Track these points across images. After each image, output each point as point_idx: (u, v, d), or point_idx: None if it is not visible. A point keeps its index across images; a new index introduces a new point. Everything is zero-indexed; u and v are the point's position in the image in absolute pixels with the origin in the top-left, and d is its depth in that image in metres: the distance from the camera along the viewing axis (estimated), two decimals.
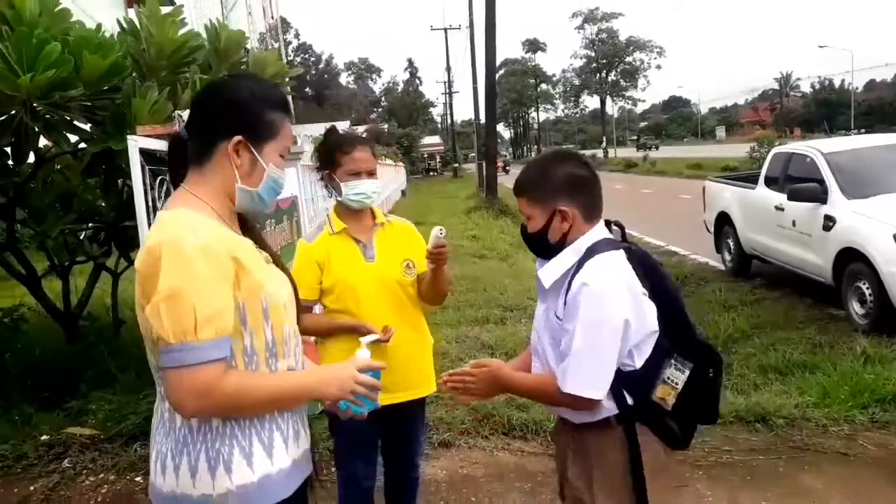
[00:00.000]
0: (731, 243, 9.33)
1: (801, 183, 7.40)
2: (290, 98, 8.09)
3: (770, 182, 8.46)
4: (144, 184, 3.72)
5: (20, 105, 3.71)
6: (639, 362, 1.88)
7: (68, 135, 4.43)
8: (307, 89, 64.39)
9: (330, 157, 2.70)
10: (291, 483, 1.63)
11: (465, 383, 2.05)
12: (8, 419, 4.75)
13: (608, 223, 2.07)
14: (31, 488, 3.95)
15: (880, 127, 58.11)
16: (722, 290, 8.35)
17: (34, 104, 3.74)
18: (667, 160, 43.54)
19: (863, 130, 52.15)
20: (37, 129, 4.14)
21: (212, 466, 1.53)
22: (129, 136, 3.67)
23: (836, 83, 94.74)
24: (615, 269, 1.88)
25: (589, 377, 1.85)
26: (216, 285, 1.47)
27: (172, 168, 1.72)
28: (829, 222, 6.78)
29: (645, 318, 1.87)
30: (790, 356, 5.84)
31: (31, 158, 4.77)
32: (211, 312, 1.45)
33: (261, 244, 1.74)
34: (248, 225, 1.74)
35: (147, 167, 3.76)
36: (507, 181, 35.86)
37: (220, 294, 1.48)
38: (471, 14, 34.55)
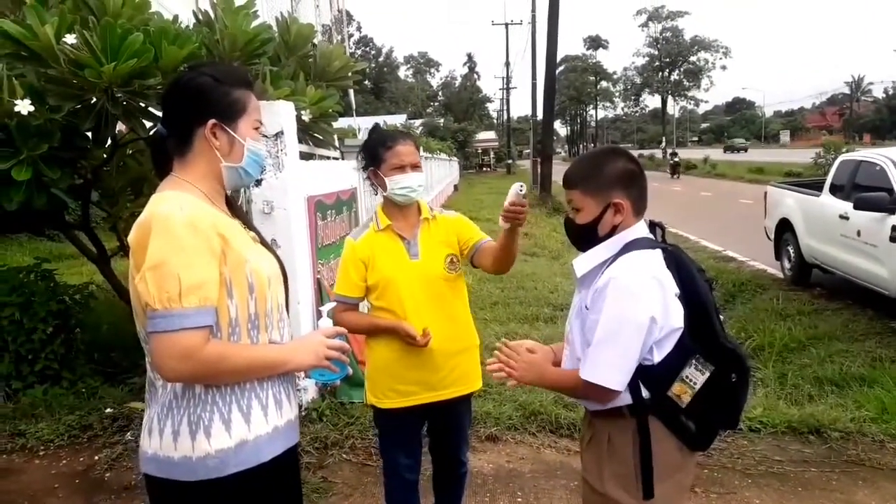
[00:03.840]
0: (792, 251, 9.11)
1: (868, 192, 7.18)
2: (350, 92, 8.17)
3: (835, 190, 8.23)
4: None
5: (102, 91, 3.89)
6: (657, 357, 1.89)
7: (144, 121, 4.62)
8: (366, 82, 64.93)
9: (373, 154, 2.70)
10: (269, 449, 1.71)
11: (510, 365, 2.09)
12: (75, 392, 5.01)
13: (652, 225, 2.07)
14: (96, 458, 4.17)
15: None
16: (780, 299, 8.18)
17: (115, 91, 3.92)
18: (728, 163, 42.52)
19: None
20: (115, 115, 4.33)
21: (192, 431, 1.63)
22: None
23: None
24: (646, 266, 1.88)
25: (607, 367, 1.86)
26: (201, 257, 1.57)
27: (157, 164, 1.82)
28: None
29: (670, 317, 1.87)
30: (848, 369, 5.72)
31: (107, 143, 5.00)
32: (195, 282, 1.54)
33: (248, 225, 1.87)
34: (235, 207, 1.87)
35: None
36: (561, 178, 35.48)
37: (205, 266, 1.57)
38: (533, 9, 34.37)
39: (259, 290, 1.70)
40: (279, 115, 4.27)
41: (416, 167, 2.67)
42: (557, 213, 20.69)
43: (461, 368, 2.74)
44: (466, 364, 2.77)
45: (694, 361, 1.89)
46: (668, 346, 1.89)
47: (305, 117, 4.93)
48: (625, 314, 1.84)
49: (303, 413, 4.37)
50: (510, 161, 58.05)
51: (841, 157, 9.17)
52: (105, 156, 5.03)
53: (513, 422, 4.41)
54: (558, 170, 32.66)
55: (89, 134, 4.74)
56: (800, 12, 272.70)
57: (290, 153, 4.32)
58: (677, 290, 1.89)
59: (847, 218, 7.51)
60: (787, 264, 9.36)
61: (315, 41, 5.90)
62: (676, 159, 39.81)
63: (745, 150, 71.54)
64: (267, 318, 1.74)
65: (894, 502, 3.56)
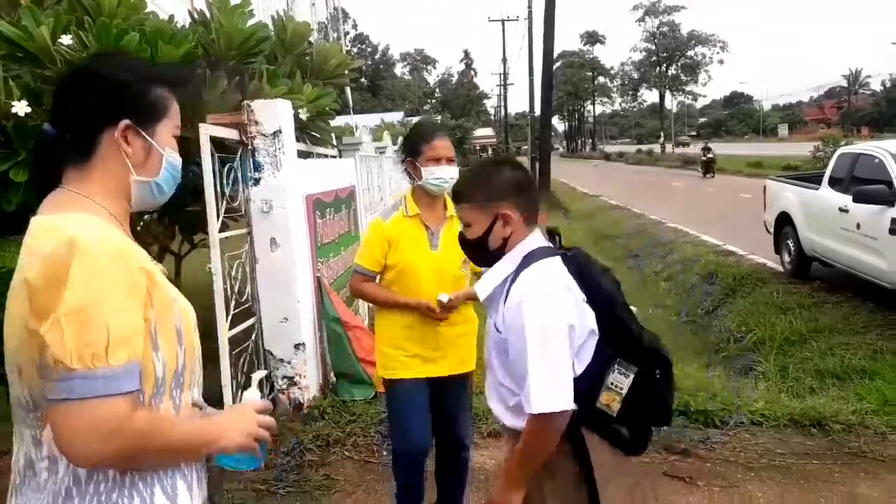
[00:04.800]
0: (791, 244, 9.10)
1: (867, 184, 7.18)
2: (347, 89, 8.16)
3: (834, 183, 8.23)
4: (213, 170, 3.87)
5: None
6: (579, 368, 1.83)
7: None
8: (363, 80, 64.84)
9: (413, 146, 2.91)
10: None
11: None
12: None
13: (549, 232, 2.03)
14: None
15: None
16: (780, 292, 8.19)
17: None
18: (727, 157, 42.47)
19: None
20: None
21: None
22: (200, 125, 3.82)
23: None
24: (553, 276, 1.84)
25: (554, 389, 1.77)
26: (130, 300, 1.23)
27: (39, 173, 1.42)
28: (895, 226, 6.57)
29: (585, 321, 1.84)
30: (849, 361, 5.73)
31: None
32: (125, 333, 1.19)
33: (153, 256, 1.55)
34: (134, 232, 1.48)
35: (216, 154, 3.91)
36: (559, 174, 35.68)
37: (134, 311, 1.23)
38: (530, 5, 34.34)
39: (187, 336, 1.37)
40: (277, 113, 4.26)
41: (450, 161, 2.88)
42: (556, 209, 20.72)
43: (459, 349, 2.95)
44: (465, 346, 2.98)
45: (616, 366, 1.86)
46: (587, 355, 1.85)
47: (303, 115, 4.93)
48: (547, 328, 1.78)
49: (304, 411, 4.37)
50: None
51: (839, 151, 9.18)
52: None
53: None
54: (557, 166, 32.52)
55: None
56: (797, 6, 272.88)
57: (288, 152, 4.31)
58: (583, 296, 1.86)
59: (846, 211, 7.51)
60: (786, 258, 9.36)
61: (311, 39, 5.89)
62: (711, 155, 31.59)
63: (688, 145, 71.29)
64: (192, 373, 1.40)
65: None
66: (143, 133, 1.39)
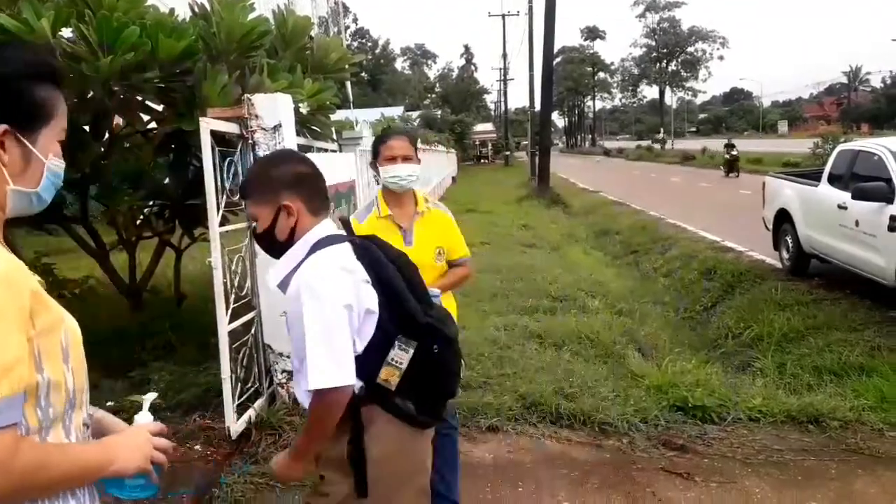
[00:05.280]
0: (790, 241, 9.11)
1: (867, 181, 7.18)
2: (348, 84, 8.16)
3: (834, 180, 8.23)
4: (214, 164, 3.87)
5: (99, 85, 3.88)
6: (361, 346, 1.93)
7: (142, 115, 4.61)
8: (363, 74, 64.74)
9: (375, 148, 3.16)
10: None
11: None
12: None
13: (342, 220, 2.14)
14: None
15: None
16: (778, 289, 8.20)
17: (112, 85, 3.91)
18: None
19: None
20: (113, 109, 4.33)
21: None
22: (200, 118, 3.82)
23: None
24: (332, 260, 1.92)
25: (330, 366, 1.85)
26: (16, 325, 1.12)
27: None
28: (894, 223, 6.58)
29: (363, 301, 1.93)
30: (846, 358, 5.74)
31: (105, 136, 4.99)
32: (10, 360, 1.09)
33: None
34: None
35: (216, 148, 3.91)
36: (559, 170, 35.69)
37: (19, 336, 1.13)
38: (530, 0, 34.27)
39: (76, 356, 1.28)
40: (277, 107, 4.25)
41: (406, 159, 3.04)
42: (555, 205, 20.71)
43: None
44: None
45: (397, 342, 1.96)
46: (368, 333, 1.95)
47: (303, 110, 4.93)
48: (324, 309, 1.85)
49: (303, 411, 4.38)
50: (508, 153, 57.95)
51: (839, 147, 9.18)
52: (103, 149, 5.03)
53: (513, 412, 4.41)
54: (557, 161, 32.52)
55: (87, 128, 4.74)
56: (797, 2, 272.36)
57: (289, 146, 4.30)
58: (367, 277, 1.96)
59: (845, 208, 7.51)
60: (785, 254, 9.37)
61: (312, 34, 5.88)
62: (735, 152, 27.98)
63: (664, 143, 71.26)
64: (83, 392, 1.31)
65: (894, 490, 3.58)
66: (23, 139, 1.25)
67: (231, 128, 4.18)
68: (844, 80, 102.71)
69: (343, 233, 2.08)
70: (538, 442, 4.13)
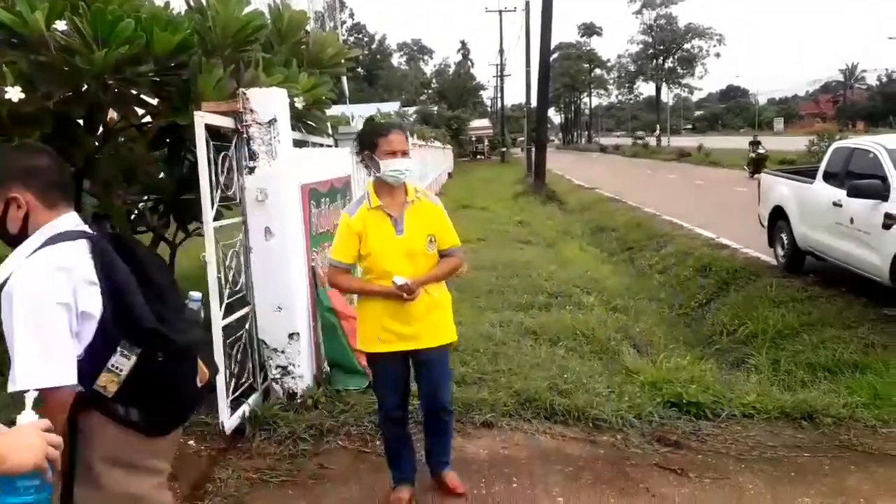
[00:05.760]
0: (785, 238, 9.13)
1: (862, 179, 7.19)
2: (344, 79, 8.07)
3: (829, 177, 8.24)
4: (208, 158, 3.86)
5: (93, 78, 3.85)
6: (80, 349, 1.85)
7: (136, 109, 4.59)
8: (359, 69, 64.53)
9: (370, 140, 3.19)
10: None
11: None
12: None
13: (96, 216, 2.08)
14: None
15: None
16: (773, 286, 8.22)
17: (106, 78, 3.88)
18: (722, 151, 42.50)
19: None
20: (107, 102, 4.30)
21: None
22: (195, 112, 3.80)
23: None
24: (52, 258, 1.85)
25: (39, 366, 1.75)
26: None
27: None
28: (889, 220, 6.59)
29: (81, 303, 1.85)
30: (840, 355, 5.77)
31: (99, 130, 4.96)
32: None
33: None
34: None
35: (211, 142, 3.89)
36: (555, 166, 35.64)
37: None
38: None
39: None
40: (272, 102, 4.24)
41: (405, 154, 3.17)
42: (551, 202, 20.71)
43: (434, 323, 3.23)
44: (439, 319, 3.27)
45: (120, 348, 1.88)
46: (88, 336, 1.87)
47: (299, 104, 4.91)
48: (35, 308, 1.78)
49: (297, 401, 4.38)
50: (504, 149, 57.92)
51: (834, 145, 9.18)
52: (97, 143, 4.99)
53: (508, 408, 4.42)
54: (553, 158, 32.52)
55: (81, 121, 4.71)
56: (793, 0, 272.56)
57: (284, 141, 4.29)
58: (93, 278, 1.88)
59: (840, 205, 7.53)
60: (780, 252, 9.39)
61: (308, 28, 5.86)
62: (762, 150, 24.89)
63: (642, 139, 71.29)
64: None
65: (886, 486, 3.59)
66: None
67: (226, 122, 4.16)
68: (840, 77, 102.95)
69: (84, 228, 1.99)
70: (532, 438, 4.13)
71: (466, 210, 16.58)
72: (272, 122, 4.22)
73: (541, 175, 23.72)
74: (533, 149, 27.37)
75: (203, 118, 3.84)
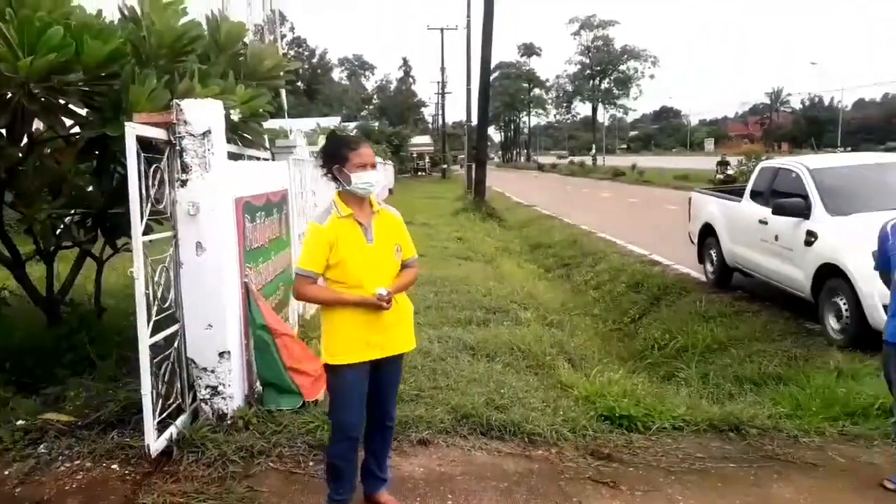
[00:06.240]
0: (714, 255, 9.45)
1: (786, 198, 7.52)
2: (283, 92, 8.06)
3: (755, 196, 8.58)
4: (138, 170, 3.75)
5: (18, 87, 3.72)
6: None
7: (64, 119, 4.44)
8: (299, 83, 64.03)
9: (339, 153, 3.22)
10: None
11: None
12: None
13: None
14: (6, 472, 3.93)
15: (866, 146, 58.80)
16: (702, 302, 8.49)
17: (32, 87, 3.75)
18: (654, 170, 43.81)
19: (849, 148, 52.70)
20: (33, 112, 4.15)
21: None
22: (126, 123, 3.70)
23: (826, 100, 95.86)
24: None
25: None
26: None
27: None
28: (810, 238, 6.91)
29: None
30: (765, 368, 5.99)
31: (23, 141, 4.78)
32: None
33: None
34: None
35: (142, 154, 3.79)
36: (495, 183, 36.06)
37: None
38: (468, 15, 34.67)
39: None
40: (207, 113, 4.16)
41: (374, 166, 3.25)
42: (491, 218, 20.89)
43: (402, 331, 3.32)
44: (406, 327, 3.35)
45: None
46: None
47: (235, 117, 4.84)
48: None
49: (228, 422, 4.26)
50: (445, 166, 58.26)
51: (761, 165, 9.59)
52: (21, 154, 4.81)
53: (444, 425, 4.41)
54: (493, 175, 32.72)
55: (4, 131, 4.53)
56: (723, 25, 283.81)
57: (218, 153, 4.21)
58: None
59: (766, 223, 7.85)
60: (709, 268, 9.71)
61: (246, 40, 5.79)
62: (730, 172, 23.57)
63: (566, 157, 73.48)
64: None
65: (808, 494, 3.73)
66: None
67: (158, 133, 4.06)
68: (767, 100, 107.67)
69: None
70: (468, 454, 4.13)
71: (407, 226, 16.53)
72: (206, 133, 4.14)
73: (481, 192, 23.92)
74: (473, 166, 27.59)
75: (134, 129, 3.73)
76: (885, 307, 3.95)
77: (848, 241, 6.38)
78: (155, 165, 4.01)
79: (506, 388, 4.99)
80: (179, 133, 4.11)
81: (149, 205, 3.91)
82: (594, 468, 3.98)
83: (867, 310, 5.94)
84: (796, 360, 6.10)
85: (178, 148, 4.12)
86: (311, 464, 3.92)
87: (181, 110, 4.10)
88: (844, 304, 6.31)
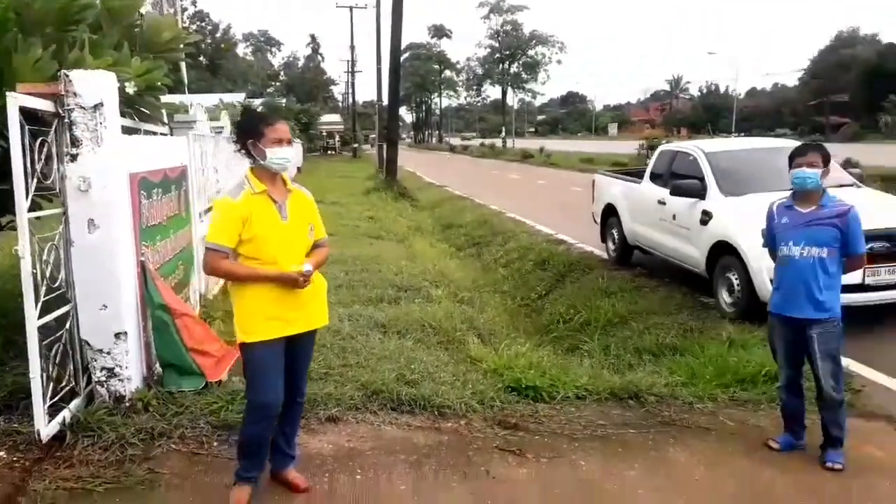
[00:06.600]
0: (616, 234, 9.79)
1: (683, 179, 7.85)
2: (183, 67, 7.69)
3: (655, 178, 8.92)
4: (23, 144, 3.53)
5: None
6: None
7: None
8: (201, 58, 61.57)
9: (254, 128, 3.18)
10: None
11: None
12: None
13: None
14: None
15: (758, 131, 62.34)
16: (604, 278, 8.79)
17: None
18: (561, 153, 44.80)
19: (742, 134, 55.58)
20: None
21: None
22: (8, 93, 3.47)
23: (722, 88, 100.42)
24: None
25: None
26: None
27: None
28: (705, 217, 7.25)
29: None
30: (663, 339, 6.26)
31: None
32: None
33: None
34: None
35: (27, 127, 3.56)
36: (407, 164, 35.94)
37: None
38: None
39: None
40: (98, 85, 3.94)
41: (289, 142, 3.21)
42: (403, 198, 20.84)
43: (317, 307, 3.33)
44: (319, 304, 3.35)
45: None
46: None
47: (130, 89, 4.61)
48: None
49: (126, 404, 4.10)
50: (356, 145, 57.56)
51: (660, 148, 9.98)
52: None
53: (354, 401, 4.39)
54: (405, 156, 32.62)
55: None
56: (628, 13, 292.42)
57: (111, 126, 3.99)
58: None
59: (664, 203, 8.18)
60: (611, 246, 10.06)
61: (143, 11, 5.50)
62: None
63: (470, 140, 74.67)
64: None
65: (701, 456, 3.94)
66: None
67: (45, 105, 3.82)
68: (668, 87, 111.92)
69: None
70: (378, 429, 4.14)
71: (318, 205, 16.19)
72: (98, 106, 3.92)
73: (392, 172, 23.79)
74: (384, 146, 27.39)
75: (17, 100, 3.49)
76: (772, 282, 4.19)
77: (740, 221, 6.73)
78: (42, 139, 3.77)
79: (416, 363, 5.02)
80: (69, 105, 3.88)
81: (35, 180, 3.68)
82: (501, 438, 4.07)
83: (757, 284, 6.30)
84: (692, 332, 6.40)
85: (67, 121, 3.90)
86: (214, 444, 3.83)
87: (70, 81, 3.87)
88: (736, 279, 6.66)
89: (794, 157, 3.93)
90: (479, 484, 3.57)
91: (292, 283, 3.11)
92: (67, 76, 3.89)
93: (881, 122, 58.55)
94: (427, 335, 5.98)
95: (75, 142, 3.91)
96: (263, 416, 3.21)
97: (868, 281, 6.07)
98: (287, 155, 3.19)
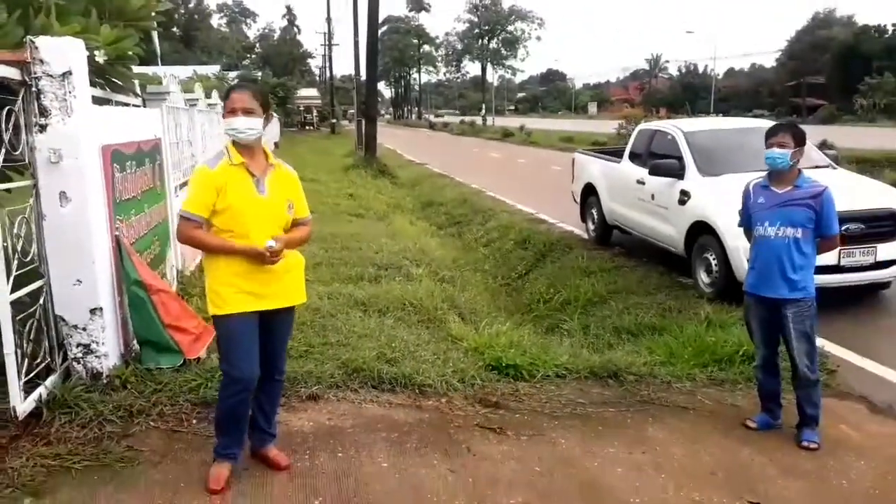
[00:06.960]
0: (595, 213, 9.80)
1: (662, 159, 7.85)
2: (155, 37, 7.45)
3: (634, 157, 8.92)
4: None
5: None
6: None
7: None
8: (175, 29, 60.38)
9: (224, 99, 3.23)
10: None
11: None
12: None
13: None
14: None
15: (736, 111, 62.69)
16: (584, 258, 8.81)
17: None
18: (541, 132, 44.73)
19: (720, 114, 55.89)
20: None
21: None
22: None
23: (700, 68, 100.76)
24: None
25: None
26: None
27: None
28: (684, 197, 7.26)
29: None
30: (642, 319, 6.29)
31: None
32: None
33: None
34: None
35: None
36: (386, 140, 35.69)
37: None
38: None
39: None
40: (66, 52, 3.80)
41: (248, 112, 3.10)
42: (383, 175, 20.70)
43: (289, 284, 3.26)
44: (293, 281, 3.29)
45: None
46: None
47: (100, 58, 4.47)
48: None
49: (103, 381, 4.03)
50: (334, 120, 56.96)
51: (639, 128, 9.96)
52: None
53: (335, 380, 4.36)
54: (384, 132, 32.40)
55: None
56: None
57: (81, 96, 3.87)
58: None
59: (643, 183, 8.18)
60: (591, 226, 10.07)
61: None
62: None
63: (443, 117, 74.00)
64: None
65: (679, 434, 3.98)
66: None
67: (11, 73, 3.68)
68: (647, 66, 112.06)
69: None
70: (359, 407, 4.12)
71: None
72: (66, 75, 3.79)
73: (372, 148, 23.58)
74: (363, 121, 27.11)
75: None
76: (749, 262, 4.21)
77: (718, 200, 6.74)
78: (8, 108, 3.65)
79: (397, 342, 4.99)
80: (36, 73, 3.75)
81: (2, 151, 3.56)
82: (482, 415, 4.07)
83: (734, 264, 6.33)
84: (670, 312, 6.44)
85: (34, 90, 3.77)
86: (194, 422, 3.79)
87: (36, 48, 3.74)
88: (714, 259, 6.70)
89: (768, 137, 3.94)
90: (460, 461, 3.57)
91: (259, 257, 3.07)
92: (34, 42, 3.75)
93: (856, 104, 59.18)
94: (408, 313, 5.95)
95: (44, 111, 3.79)
96: (239, 390, 3.17)
97: (843, 262, 6.13)
98: (237, 125, 3.09)
